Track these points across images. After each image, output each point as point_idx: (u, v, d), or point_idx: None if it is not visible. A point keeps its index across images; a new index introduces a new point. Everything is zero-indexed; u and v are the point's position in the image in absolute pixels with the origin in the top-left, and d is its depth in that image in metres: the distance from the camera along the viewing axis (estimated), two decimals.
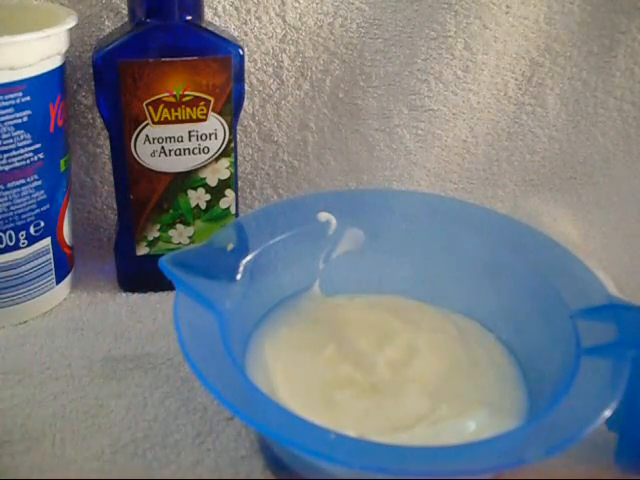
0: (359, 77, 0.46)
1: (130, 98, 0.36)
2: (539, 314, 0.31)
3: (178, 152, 0.38)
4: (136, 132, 0.37)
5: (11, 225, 0.35)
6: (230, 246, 0.32)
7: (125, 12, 0.39)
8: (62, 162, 0.38)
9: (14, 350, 0.36)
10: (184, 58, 0.36)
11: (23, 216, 0.36)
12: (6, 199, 0.35)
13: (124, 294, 0.41)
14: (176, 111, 0.37)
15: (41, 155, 0.35)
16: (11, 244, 0.36)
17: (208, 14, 0.42)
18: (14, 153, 0.34)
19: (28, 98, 0.34)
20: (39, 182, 0.36)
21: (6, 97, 0.33)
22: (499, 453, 0.23)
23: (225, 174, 0.39)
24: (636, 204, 0.50)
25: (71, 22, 0.35)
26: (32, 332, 0.37)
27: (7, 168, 0.34)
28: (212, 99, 0.37)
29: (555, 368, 0.28)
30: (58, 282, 0.39)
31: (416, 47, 0.46)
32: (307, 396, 0.28)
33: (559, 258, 0.32)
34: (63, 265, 0.39)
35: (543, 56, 0.48)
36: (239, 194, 0.41)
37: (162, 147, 0.37)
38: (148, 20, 0.36)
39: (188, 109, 0.37)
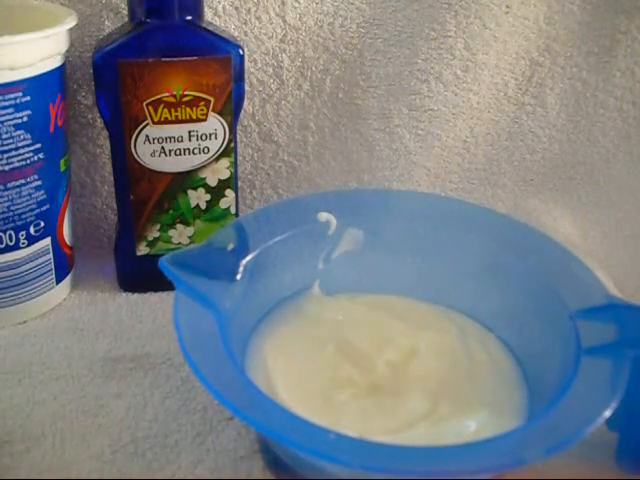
0: (359, 77, 0.46)
1: (130, 98, 0.36)
2: (539, 314, 0.31)
3: (178, 152, 0.38)
4: (136, 132, 0.37)
5: (11, 225, 0.35)
6: (230, 246, 0.32)
7: (125, 12, 0.39)
8: (62, 162, 0.38)
9: (14, 350, 0.36)
10: (184, 58, 0.36)
11: (23, 216, 0.36)
12: (6, 199, 0.35)
13: (124, 294, 0.41)
14: (176, 111, 0.37)
15: (41, 155, 0.35)
16: (11, 244, 0.36)
17: (208, 14, 0.42)
18: (14, 153, 0.34)
19: (28, 98, 0.34)
20: (39, 182, 0.36)
21: (6, 97, 0.33)
22: (499, 453, 0.23)
23: (225, 174, 0.39)
24: (636, 204, 0.50)
25: (71, 22, 0.35)
26: (32, 332, 0.37)
27: (7, 168, 0.34)
28: (212, 99, 0.37)
29: (555, 368, 0.28)
30: (58, 282, 0.39)
31: (416, 47, 0.46)
32: (307, 396, 0.28)
33: (559, 258, 0.32)
34: (63, 265, 0.39)
35: (543, 56, 0.48)
36: (239, 194, 0.41)
37: (162, 147, 0.37)
38: (148, 20, 0.36)
39: (188, 109, 0.37)
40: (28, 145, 0.35)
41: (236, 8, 0.43)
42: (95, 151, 0.44)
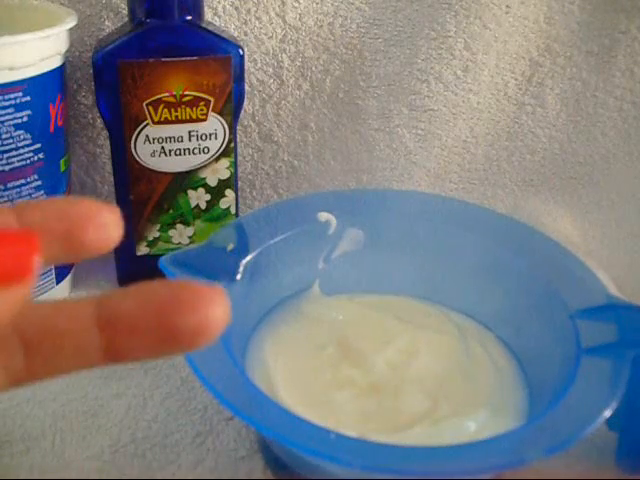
0: (359, 77, 0.46)
1: (130, 98, 0.36)
2: (539, 314, 0.31)
3: (178, 152, 0.38)
4: (136, 132, 0.37)
5: None
6: (230, 246, 0.32)
7: (125, 12, 0.39)
8: (62, 162, 0.38)
9: None
10: (184, 58, 0.36)
11: None
12: (6, 199, 0.35)
13: None
14: (176, 111, 0.37)
15: (41, 155, 0.35)
16: None
17: (208, 14, 0.42)
18: (14, 153, 0.34)
19: (28, 98, 0.34)
20: (39, 182, 0.36)
21: (6, 97, 0.33)
22: (499, 453, 0.23)
23: (225, 174, 0.39)
24: (636, 204, 0.50)
25: (71, 22, 0.35)
26: None
27: (7, 168, 0.34)
28: (212, 99, 0.37)
29: (555, 368, 0.28)
30: (58, 282, 0.39)
31: (416, 47, 0.46)
32: (307, 396, 0.28)
33: (559, 258, 0.32)
34: (63, 265, 0.39)
35: (543, 56, 0.48)
36: (239, 194, 0.41)
37: (162, 147, 0.37)
38: (148, 20, 0.36)
39: (188, 109, 0.37)
40: (28, 145, 0.35)
41: (236, 8, 0.43)
42: (95, 151, 0.44)
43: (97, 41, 0.40)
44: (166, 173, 0.38)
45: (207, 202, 0.39)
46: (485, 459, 0.23)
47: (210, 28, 0.37)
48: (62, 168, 0.38)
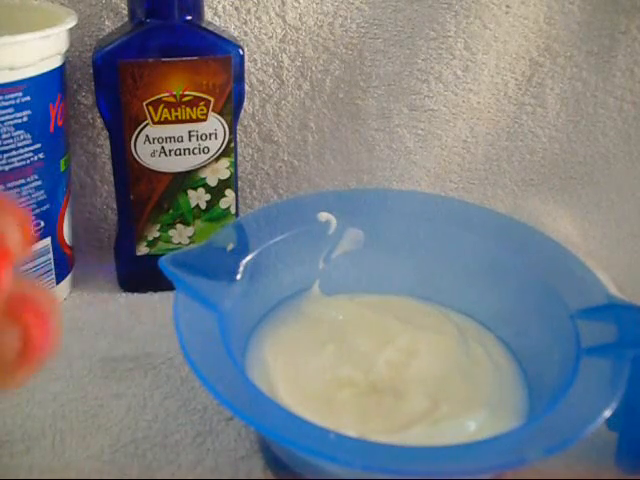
0: (359, 77, 0.46)
1: (130, 98, 0.36)
2: (539, 314, 0.31)
3: (178, 152, 0.38)
4: (136, 132, 0.37)
5: None
6: (230, 246, 0.32)
7: (125, 12, 0.39)
8: (62, 162, 0.38)
9: None
10: (184, 58, 0.36)
11: None
12: None
13: (124, 294, 0.41)
14: (176, 111, 0.37)
15: (41, 155, 0.35)
16: None
17: (208, 14, 0.42)
18: (14, 153, 0.34)
19: (28, 98, 0.34)
20: (39, 182, 0.36)
21: (6, 97, 0.33)
22: (499, 453, 0.23)
23: (225, 174, 0.39)
24: (636, 204, 0.50)
25: (71, 22, 0.35)
26: None
27: (7, 168, 0.34)
28: (212, 99, 0.37)
29: (555, 368, 0.28)
30: (58, 282, 0.39)
31: (416, 47, 0.46)
32: (307, 396, 0.28)
33: (559, 258, 0.32)
34: (63, 265, 0.39)
35: (543, 56, 0.48)
36: (239, 194, 0.41)
37: (162, 147, 0.37)
38: (148, 20, 0.36)
39: (188, 109, 0.37)
40: (28, 145, 0.35)
41: (236, 8, 0.43)
42: (95, 151, 0.44)
43: (97, 41, 0.40)
44: (166, 173, 0.38)
45: (207, 202, 0.39)
46: (485, 459, 0.23)
47: (210, 28, 0.37)
48: (62, 168, 0.38)
